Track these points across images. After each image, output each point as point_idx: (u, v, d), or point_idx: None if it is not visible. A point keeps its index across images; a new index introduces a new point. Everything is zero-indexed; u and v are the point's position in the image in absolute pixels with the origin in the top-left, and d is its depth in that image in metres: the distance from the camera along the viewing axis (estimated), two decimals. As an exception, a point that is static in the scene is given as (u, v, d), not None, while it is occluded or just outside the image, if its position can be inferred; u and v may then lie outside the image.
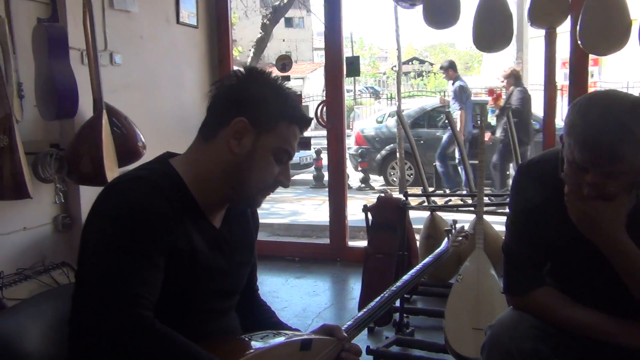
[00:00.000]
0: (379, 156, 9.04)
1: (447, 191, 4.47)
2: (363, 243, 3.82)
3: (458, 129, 6.44)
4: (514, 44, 7.27)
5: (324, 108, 4.38)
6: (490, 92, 7.23)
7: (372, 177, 9.25)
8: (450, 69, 7.31)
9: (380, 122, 9.42)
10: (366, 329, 2.67)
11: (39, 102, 2.85)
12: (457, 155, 7.18)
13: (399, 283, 1.74)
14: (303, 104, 10.12)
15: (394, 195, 3.42)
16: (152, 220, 1.12)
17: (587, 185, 1.33)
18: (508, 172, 6.65)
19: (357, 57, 4.46)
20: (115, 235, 1.10)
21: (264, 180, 1.26)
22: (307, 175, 10.05)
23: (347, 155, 6.20)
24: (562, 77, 6.74)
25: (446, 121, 7.29)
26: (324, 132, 4.47)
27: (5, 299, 2.68)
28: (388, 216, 3.17)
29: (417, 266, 1.97)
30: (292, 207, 7.67)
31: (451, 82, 7.34)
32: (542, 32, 3.66)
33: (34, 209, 3.02)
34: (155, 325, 1.06)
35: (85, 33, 2.93)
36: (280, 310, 3.38)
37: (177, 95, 4.04)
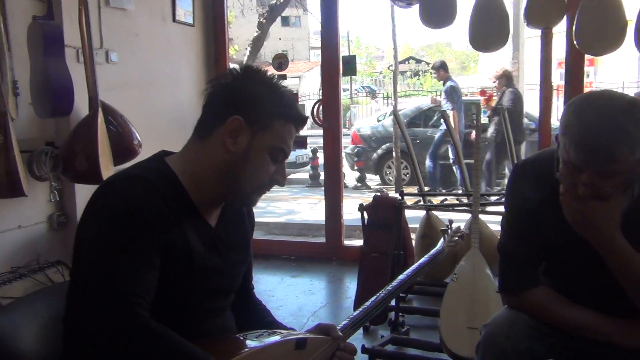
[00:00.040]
0: (375, 155, 9.05)
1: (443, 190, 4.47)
2: (359, 242, 3.83)
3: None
4: (510, 43, 7.28)
5: (320, 107, 4.38)
6: (482, 92, 7.27)
7: (369, 176, 9.26)
8: (441, 69, 7.35)
9: (382, 121, 9.44)
10: (361, 327, 2.67)
11: (35, 100, 2.84)
12: (450, 155, 7.22)
13: (394, 283, 1.74)
14: (299, 102, 10.10)
15: (390, 195, 3.43)
16: (147, 219, 1.12)
17: (582, 185, 1.33)
18: (504, 172, 6.68)
19: (354, 56, 4.46)
20: (110, 234, 1.10)
21: (260, 178, 1.26)
22: (303, 174, 10.06)
23: (344, 154, 6.20)
24: (558, 77, 6.78)
25: (441, 120, 7.35)
26: (320, 131, 4.47)
27: (0, 297, 2.67)
28: (384, 215, 3.17)
29: (413, 266, 1.97)
30: (288, 206, 7.67)
31: (442, 82, 7.39)
32: (538, 32, 3.67)
33: (28, 207, 3.01)
34: (151, 325, 1.05)
35: (81, 31, 2.92)
36: (275, 309, 3.38)
37: (173, 93, 4.03)
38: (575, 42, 3.36)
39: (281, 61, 4.40)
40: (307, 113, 4.14)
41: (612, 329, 1.46)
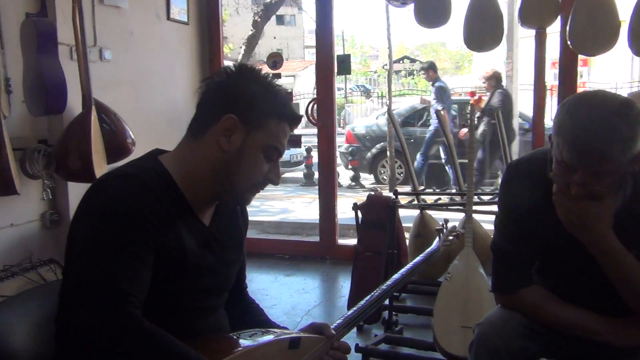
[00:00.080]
0: (369, 154, 9.05)
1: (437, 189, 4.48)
2: (353, 241, 3.83)
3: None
4: (504, 43, 7.32)
5: (315, 106, 4.38)
6: (472, 94, 7.32)
7: (363, 175, 9.27)
8: (430, 70, 7.40)
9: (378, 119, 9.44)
10: (355, 326, 2.67)
11: (27, 98, 2.82)
12: (442, 154, 7.25)
13: (389, 282, 1.73)
14: (294, 101, 10.11)
15: (384, 194, 3.43)
16: (140, 218, 1.11)
17: (575, 185, 1.34)
18: (497, 171, 6.70)
19: (348, 56, 4.48)
20: (103, 233, 1.09)
21: (254, 177, 1.25)
22: (298, 173, 10.05)
23: (338, 154, 6.21)
24: (551, 77, 6.79)
25: (430, 120, 7.38)
26: (315, 130, 4.47)
27: (-8, 296, 2.66)
28: (378, 214, 3.17)
29: (408, 265, 1.97)
30: (282, 205, 7.67)
31: (431, 83, 7.43)
32: (532, 32, 3.68)
33: (21, 206, 2.99)
34: (144, 324, 1.05)
35: (75, 28, 2.91)
36: (269, 307, 3.38)
37: (167, 92, 4.02)
38: (569, 43, 3.37)
39: (276, 60, 4.39)
40: (302, 112, 4.13)
41: (604, 328, 1.46)
